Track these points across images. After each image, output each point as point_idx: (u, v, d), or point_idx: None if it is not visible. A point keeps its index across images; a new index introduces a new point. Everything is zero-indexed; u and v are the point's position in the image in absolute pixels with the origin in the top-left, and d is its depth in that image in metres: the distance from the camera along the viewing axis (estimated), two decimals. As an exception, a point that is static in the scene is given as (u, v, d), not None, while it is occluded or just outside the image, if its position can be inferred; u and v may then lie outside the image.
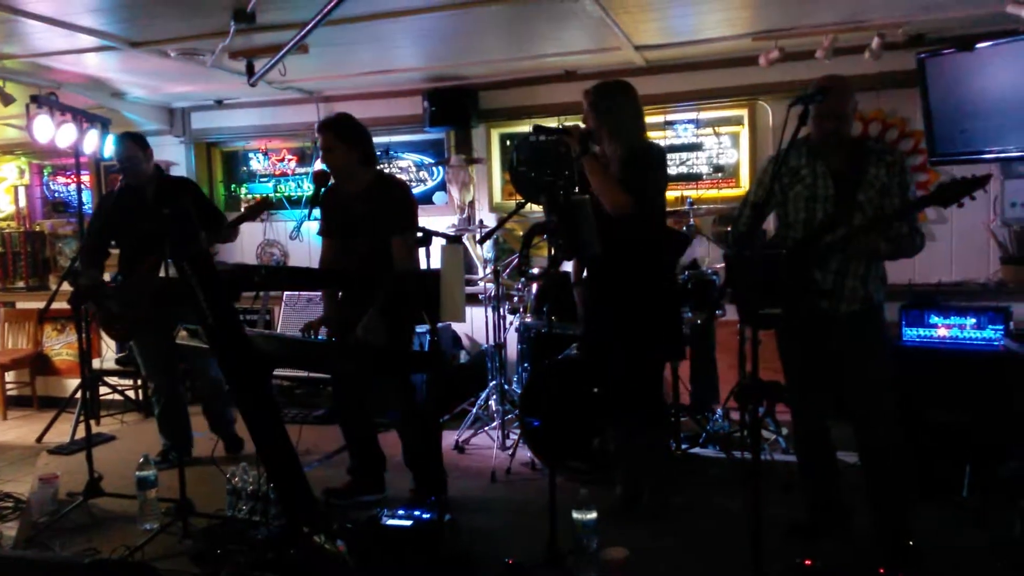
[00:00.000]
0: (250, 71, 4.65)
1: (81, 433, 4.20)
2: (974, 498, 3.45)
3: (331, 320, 3.60)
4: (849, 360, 2.99)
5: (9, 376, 6.36)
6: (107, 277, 4.44)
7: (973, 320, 3.66)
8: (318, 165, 5.94)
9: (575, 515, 2.94)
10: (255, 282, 3.14)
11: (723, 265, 4.30)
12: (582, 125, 3.39)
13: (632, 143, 3.30)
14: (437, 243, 2.85)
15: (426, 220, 3.98)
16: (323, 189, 3.54)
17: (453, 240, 2.93)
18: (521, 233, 5.24)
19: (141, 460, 3.60)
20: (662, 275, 3.39)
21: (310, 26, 3.68)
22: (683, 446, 4.21)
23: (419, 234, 3.38)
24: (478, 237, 5.29)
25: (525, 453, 4.24)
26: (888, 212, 2.86)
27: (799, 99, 2.58)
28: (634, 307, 3.27)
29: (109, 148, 5.40)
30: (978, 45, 4.31)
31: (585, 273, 3.52)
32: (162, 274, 3.55)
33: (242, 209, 5.96)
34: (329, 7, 3.40)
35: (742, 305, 2.30)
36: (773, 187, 2.95)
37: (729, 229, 4.44)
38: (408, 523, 3.10)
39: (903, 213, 2.86)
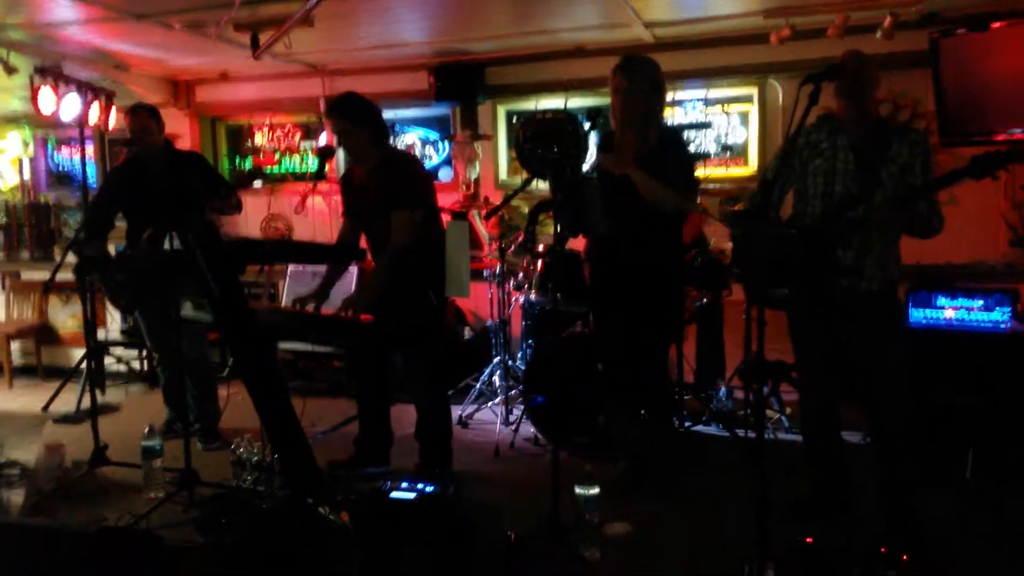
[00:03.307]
0: (255, 44, 4.61)
1: (86, 403, 4.21)
2: (979, 481, 3.45)
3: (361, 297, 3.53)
4: (868, 341, 2.97)
5: (15, 346, 6.38)
6: (112, 249, 4.44)
7: (981, 302, 3.64)
8: (322, 140, 5.94)
9: (577, 490, 2.95)
10: (260, 255, 3.14)
11: (731, 245, 4.28)
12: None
13: (660, 126, 3.28)
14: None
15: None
16: (326, 165, 3.52)
17: (458, 216, 2.92)
18: (527, 210, 5.22)
19: (146, 430, 3.62)
20: (675, 257, 3.37)
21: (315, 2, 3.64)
22: (686, 424, 4.22)
23: (428, 209, 3.40)
24: (483, 214, 5.28)
25: (528, 428, 4.25)
26: (919, 185, 2.81)
27: (810, 77, 2.54)
28: (645, 287, 3.26)
29: (113, 120, 5.39)
30: (992, 25, 4.25)
31: (593, 250, 3.50)
32: (167, 246, 3.56)
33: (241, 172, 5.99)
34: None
35: (749, 284, 2.28)
36: (786, 163, 2.92)
37: (738, 208, 4.45)
38: (412, 495, 3.11)
39: (934, 186, 2.80)
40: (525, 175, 5.09)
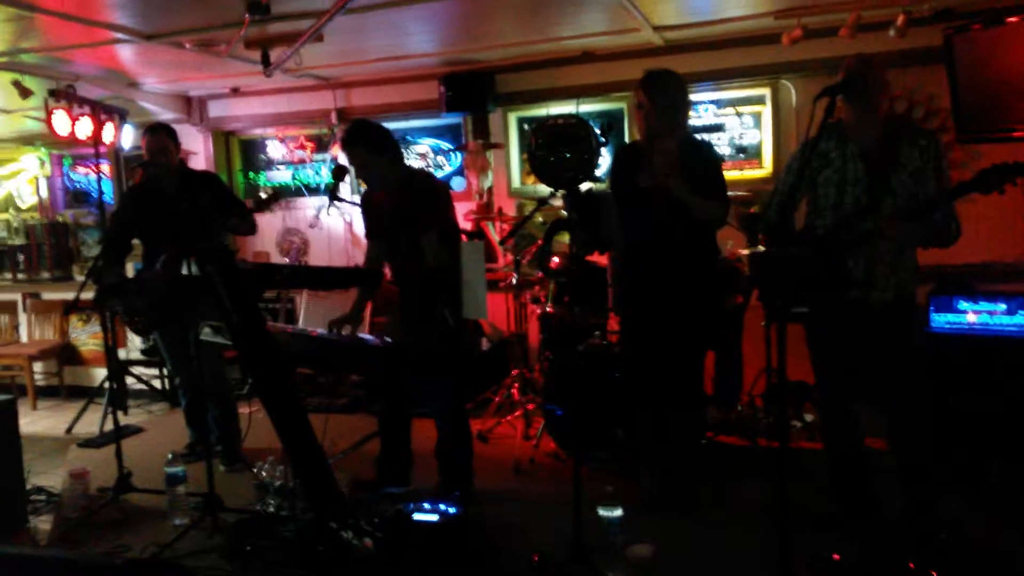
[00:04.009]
0: (266, 61, 4.62)
1: (109, 425, 4.25)
2: (1005, 489, 3.41)
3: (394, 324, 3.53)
4: (882, 352, 2.95)
5: (37, 367, 6.45)
6: (130, 267, 4.44)
7: (1004, 306, 3.60)
8: (334, 150, 5.95)
9: (601, 512, 2.94)
10: (277, 280, 3.15)
11: (747, 253, 4.25)
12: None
13: (683, 136, 3.26)
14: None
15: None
16: (339, 185, 3.52)
17: (473, 236, 2.90)
18: (541, 220, 5.20)
19: (169, 456, 3.64)
20: (709, 265, 3.36)
21: (326, 18, 3.64)
22: (707, 434, 4.19)
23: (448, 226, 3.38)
24: (497, 226, 5.27)
25: (548, 443, 4.24)
26: (922, 201, 2.78)
27: (825, 91, 2.51)
28: (685, 297, 3.25)
29: (127, 138, 5.42)
30: (1008, 19, 4.18)
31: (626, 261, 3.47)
32: (184, 270, 3.58)
33: (260, 196, 6.00)
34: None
35: (769, 303, 2.26)
36: (802, 176, 2.89)
37: (753, 211, 4.41)
38: (435, 518, 3.12)
39: (937, 201, 2.77)
40: (538, 182, 5.10)
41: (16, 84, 4.83)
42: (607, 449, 3.91)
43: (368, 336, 3.29)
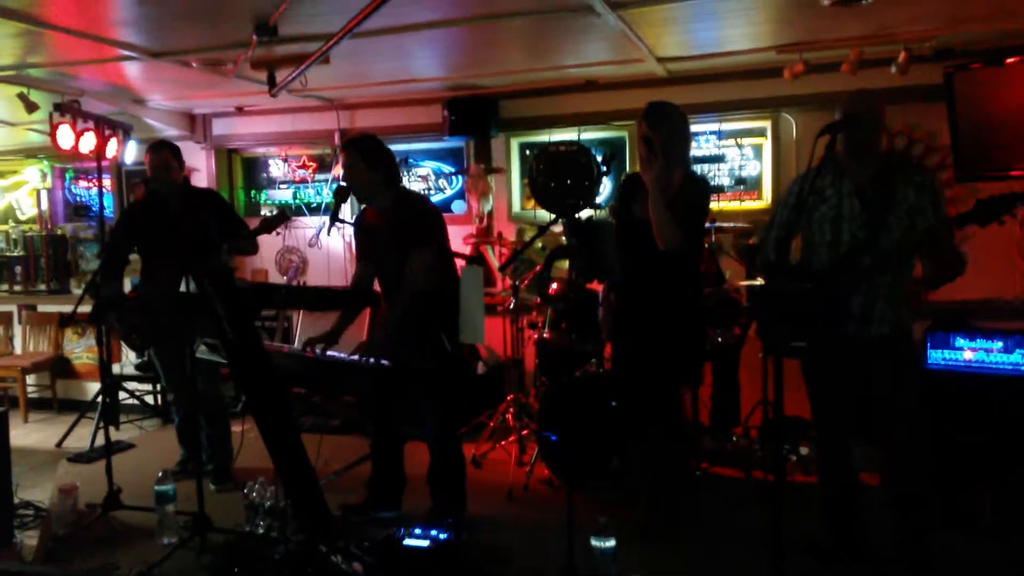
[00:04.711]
0: (271, 82, 4.65)
1: (101, 440, 4.22)
2: (999, 523, 3.40)
3: (373, 343, 3.54)
4: (880, 387, 2.94)
5: (30, 379, 6.41)
6: (128, 281, 4.42)
7: (1000, 343, 3.60)
8: (336, 170, 5.97)
9: (594, 542, 2.92)
10: (275, 301, 3.14)
11: (746, 284, 4.27)
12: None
13: (685, 171, 3.29)
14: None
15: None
16: (340, 207, 3.52)
17: (473, 261, 2.91)
18: (541, 246, 5.21)
19: (160, 475, 3.61)
20: (692, 300, 3.36)
21: (333, 42, 3.66)
22: (702, 464, 4.17)
23: (440, 250, 3.38)
24: (496, 250, 5.27)
25: (543, 470, 4.21)
26: (919, 236, 2.78)
27: (827, 129, 2.52)
28: (660, 332, 3.25)
29: (131, 154, 5.44)
30: (1007, 60, 4.23)
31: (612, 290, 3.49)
32: (183, 287, 3.57)
33: (263, 214, 6.00)
34: (352, 23, 3.39)
35: (768, 340, 2.26)
36: (799, 212, 2.90)
37: (752, 243, 4.42)
38: (425, 543, 3.09)
39: (937, 233, 2.77)
40: (538, 207, 5.11)
41: (22, 98, 4.85)
42: (601, 478, 3.88)
43: (358, 357, 3.27)
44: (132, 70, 4.79)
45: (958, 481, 3.53)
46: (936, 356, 3.74)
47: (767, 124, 5.19)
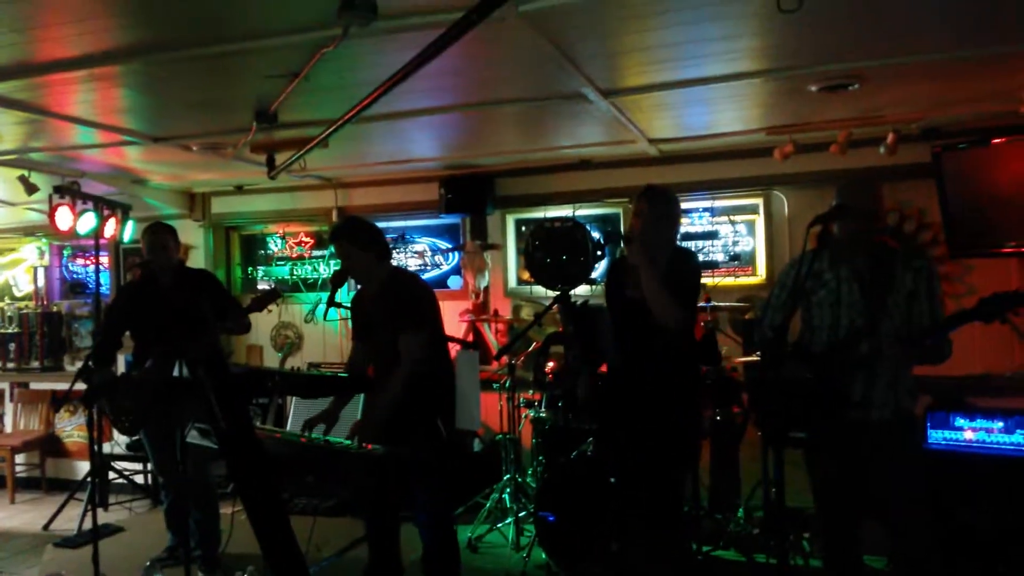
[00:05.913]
0: (271, 164, 4.72)
1: (89, 523, 4.12)
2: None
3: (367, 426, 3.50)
4: (882, 470, 2.89)
5: (19, 458, 6.31)
6: (121, 359, 4.39)
7: (1001, 423, 3.57)
8: (331, 251, 6.00)
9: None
10: (268, 387, 3.12)
11: (743, 361, 4.25)
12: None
13: (672, 250, 3.32)
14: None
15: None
16: (339, 291, 3.52)
17: (468, 347, 2.90)
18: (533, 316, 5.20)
19: (147, 564, 3.52)
20: (695, 379, 3.34)
21: (332, 128, 3.72)
22: (703, 548, 4.08)
23: (432, 333, 3.37)
24: (492, 326, 5.27)
25: (540, 554, 4.11)
26: (918, 331, 2.78)
27: (817, 219, 2.54)
28: (669, 415, 3.22)
29: (129, 232, 5.48)
30: (994, 141, 4.31)
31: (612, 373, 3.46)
32: (175, 371, 3.55)
33: (260, 288, 6.01)
34: (352, 113, 3.45)
35: (767, 431, 2.24)
36: (796, 297, 2.90)
37: (748, 318, 4.43)
38: (420, 638, 2.99)
39: (939, 330, 2.77)
40: (534, 282, 5.12)
41: (23, 180, 4.90)
42: (600, 562, 3.79)
43: (352, 442, 3.22)
44: (132, 153, 4.86)
45: (962, 562, 3.45)
46: (936, 436, 3.70)
47: (759, 201, 5.26)
